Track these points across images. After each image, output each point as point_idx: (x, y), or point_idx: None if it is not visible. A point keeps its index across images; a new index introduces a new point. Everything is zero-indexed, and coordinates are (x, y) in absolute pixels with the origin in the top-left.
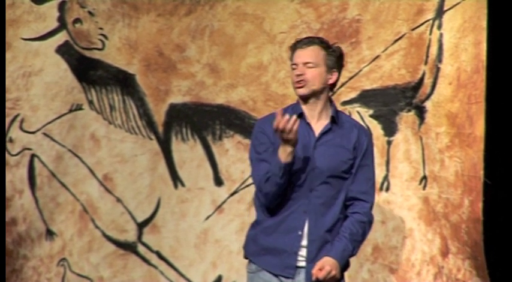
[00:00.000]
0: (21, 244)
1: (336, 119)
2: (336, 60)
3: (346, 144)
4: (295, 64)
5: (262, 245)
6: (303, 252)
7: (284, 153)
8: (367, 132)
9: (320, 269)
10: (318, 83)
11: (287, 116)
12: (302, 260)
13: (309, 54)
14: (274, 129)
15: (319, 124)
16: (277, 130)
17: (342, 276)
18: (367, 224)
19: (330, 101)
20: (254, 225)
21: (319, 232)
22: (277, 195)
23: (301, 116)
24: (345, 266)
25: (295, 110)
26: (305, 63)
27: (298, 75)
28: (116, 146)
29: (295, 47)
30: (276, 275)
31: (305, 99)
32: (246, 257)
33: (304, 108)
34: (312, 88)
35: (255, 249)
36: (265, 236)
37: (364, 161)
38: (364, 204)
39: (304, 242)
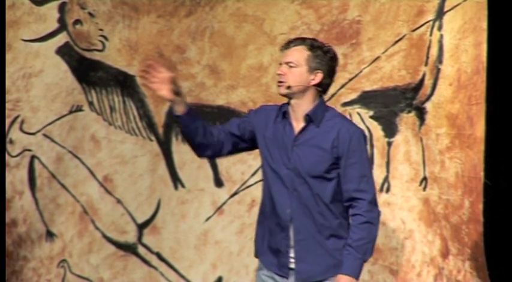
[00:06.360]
0: (21, 245)
1: (314, 118)
2: (323, 62)
3: (322, 143)
4: (280, 63)
5: (265, 243)
6: (292, 252)
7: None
8: (352, 131)
9: None
10: (297, 82)
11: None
12: (292, 262)
13: (292, 54)
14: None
15: (301, 124)
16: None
17: None
18: (369, 222)
19: (322, 102)
20: (260, 221)
21: (306, 232)
22: (191, 141)
23: (285, 115)
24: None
25: (282, 108)
26: (287, 63)
27: (279, 74)
28: (116, 147)
29: (283, 46)
30: (273, 274)
31: (289, 98)
32: (256, 255)
33: (290, 108)
34: (291, 87)
35: (260, 246)
36: (268, 234)
37: (350, 159)
38: (361, 202)
39: (292, 242)
